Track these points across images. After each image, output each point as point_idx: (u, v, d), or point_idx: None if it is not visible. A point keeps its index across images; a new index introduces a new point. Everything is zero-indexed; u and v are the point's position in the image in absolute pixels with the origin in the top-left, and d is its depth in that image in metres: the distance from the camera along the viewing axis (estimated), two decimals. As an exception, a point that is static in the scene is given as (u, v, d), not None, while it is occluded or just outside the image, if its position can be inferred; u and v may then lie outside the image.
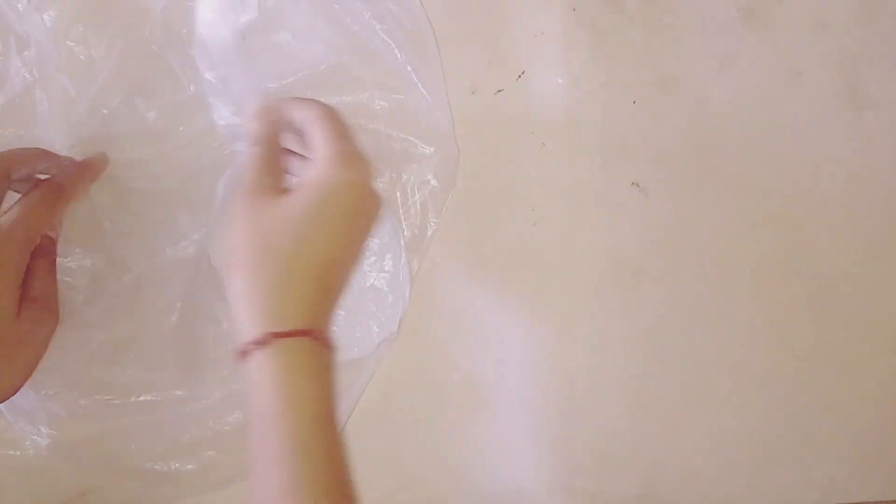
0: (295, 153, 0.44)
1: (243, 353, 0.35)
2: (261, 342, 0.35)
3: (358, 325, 0.50)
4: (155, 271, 0.49)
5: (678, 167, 0.54)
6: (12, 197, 0.44)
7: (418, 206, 0.50)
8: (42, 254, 0.45)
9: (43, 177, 0.46)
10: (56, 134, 0.47)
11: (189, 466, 0.48)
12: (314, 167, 0.39)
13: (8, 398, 0.43)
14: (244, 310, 0.36)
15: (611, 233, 0.52)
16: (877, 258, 0.55)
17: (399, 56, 0.47)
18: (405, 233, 0.49)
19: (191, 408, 0.48)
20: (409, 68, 0.48)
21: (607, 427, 0.52)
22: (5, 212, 0.44)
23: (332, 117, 0.40)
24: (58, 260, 0.46)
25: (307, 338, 0.36)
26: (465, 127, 0.50)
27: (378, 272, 0.50)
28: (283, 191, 0.39)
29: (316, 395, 0.35)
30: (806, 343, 0.54)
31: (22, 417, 0.46)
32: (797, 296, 0.54)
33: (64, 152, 0.47)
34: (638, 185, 0.53)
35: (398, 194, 0.49)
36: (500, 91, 0.52)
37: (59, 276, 0.46)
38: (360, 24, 0.47)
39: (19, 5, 0.46)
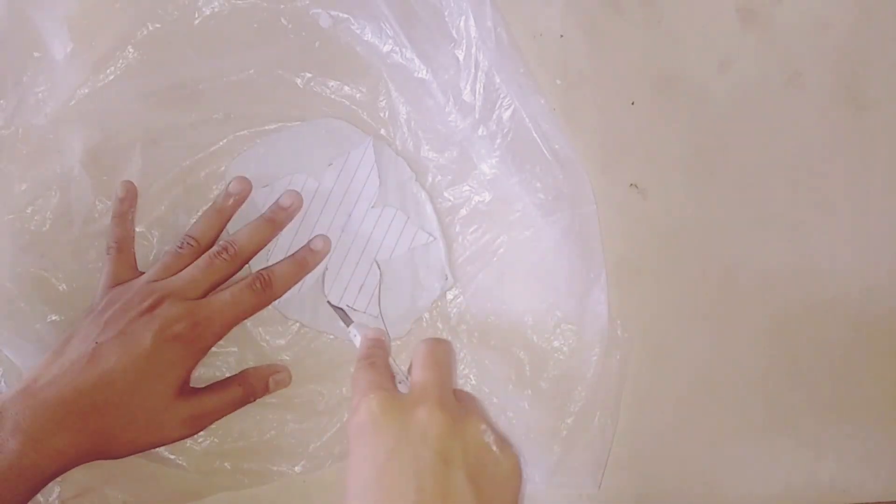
0: None
1: None
2: None
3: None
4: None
5: (677, 168, 0.54)
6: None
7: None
8: None
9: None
10: None
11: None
12: None
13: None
14: None
15: (610, 234, 0.52)
16: (877, 258, 0.55)
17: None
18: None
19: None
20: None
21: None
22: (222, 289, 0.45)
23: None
24: None
25: None
26: (463, 129, 0.50)
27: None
28: None
29: None
30: (805, 343, 0.54)
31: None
32: (797, 295, 0.54)
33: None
34: (636, 187, 0.53)
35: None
36: (499, 93, 0.52)
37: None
38: None
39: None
